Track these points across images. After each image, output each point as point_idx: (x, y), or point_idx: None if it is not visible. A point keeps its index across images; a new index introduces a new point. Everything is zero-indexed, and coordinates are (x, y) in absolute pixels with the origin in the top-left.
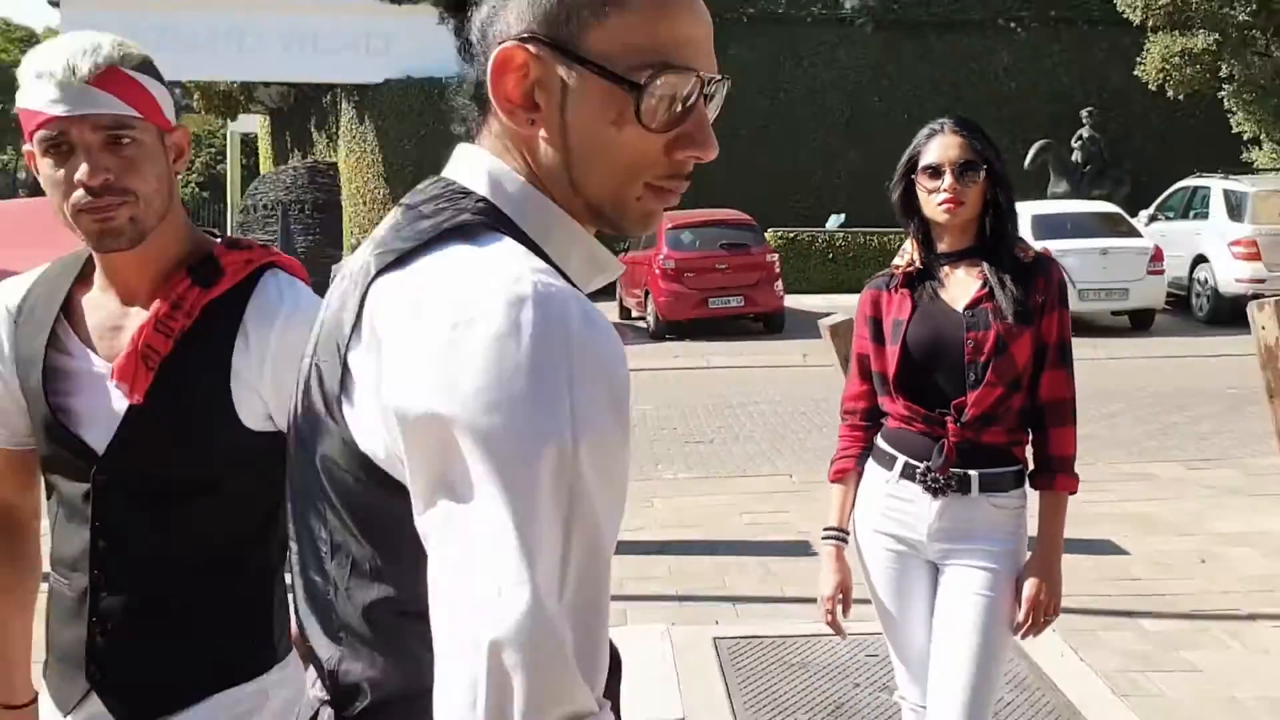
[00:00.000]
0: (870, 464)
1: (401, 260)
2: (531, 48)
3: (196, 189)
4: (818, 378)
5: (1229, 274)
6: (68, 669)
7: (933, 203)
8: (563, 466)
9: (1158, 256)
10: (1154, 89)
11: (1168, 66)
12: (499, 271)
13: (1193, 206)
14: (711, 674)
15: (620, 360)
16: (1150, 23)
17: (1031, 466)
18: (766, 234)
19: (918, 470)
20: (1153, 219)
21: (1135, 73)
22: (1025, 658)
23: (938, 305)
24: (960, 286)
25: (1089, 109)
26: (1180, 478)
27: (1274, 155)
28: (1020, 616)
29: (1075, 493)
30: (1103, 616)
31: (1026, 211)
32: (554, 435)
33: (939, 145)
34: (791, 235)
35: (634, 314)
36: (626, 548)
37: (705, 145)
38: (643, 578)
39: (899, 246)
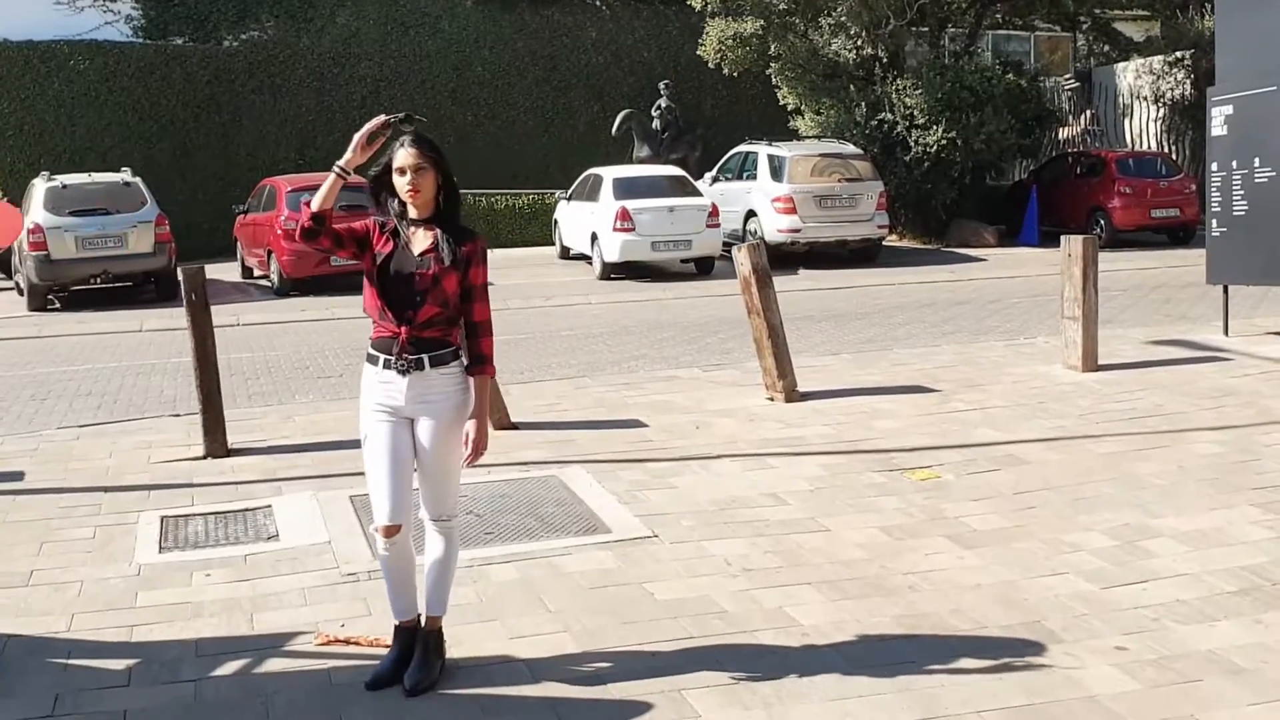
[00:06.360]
0: (366, 365)
1: None
2: None
3: None
4: None
5: (773, 225)
6: None
7: (403, 189)
8: None
9: (714, 213)
10: (713, 67)
11: (723, 47)
12: None
13: (745, 169)
14: (350, 515)
15: None
16: (708, 8)
17: (468, 362)
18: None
19: (391, 360)
20: (715, 180)
21: (698, 52)
22: (565, 486)
23: (405, 252)
24: (419, 242)
25: (665, 81)
26: (696, 377)
27: (814, 123)
28: (467, 450)
29: (494, 376)
30: (621, 463)
31: (609, 175)
32: None
33: (403, 155)
34: None
35: (256, 273)
36: (278, 449)
37: None
38: (292, 468)
39: (506, 206)
